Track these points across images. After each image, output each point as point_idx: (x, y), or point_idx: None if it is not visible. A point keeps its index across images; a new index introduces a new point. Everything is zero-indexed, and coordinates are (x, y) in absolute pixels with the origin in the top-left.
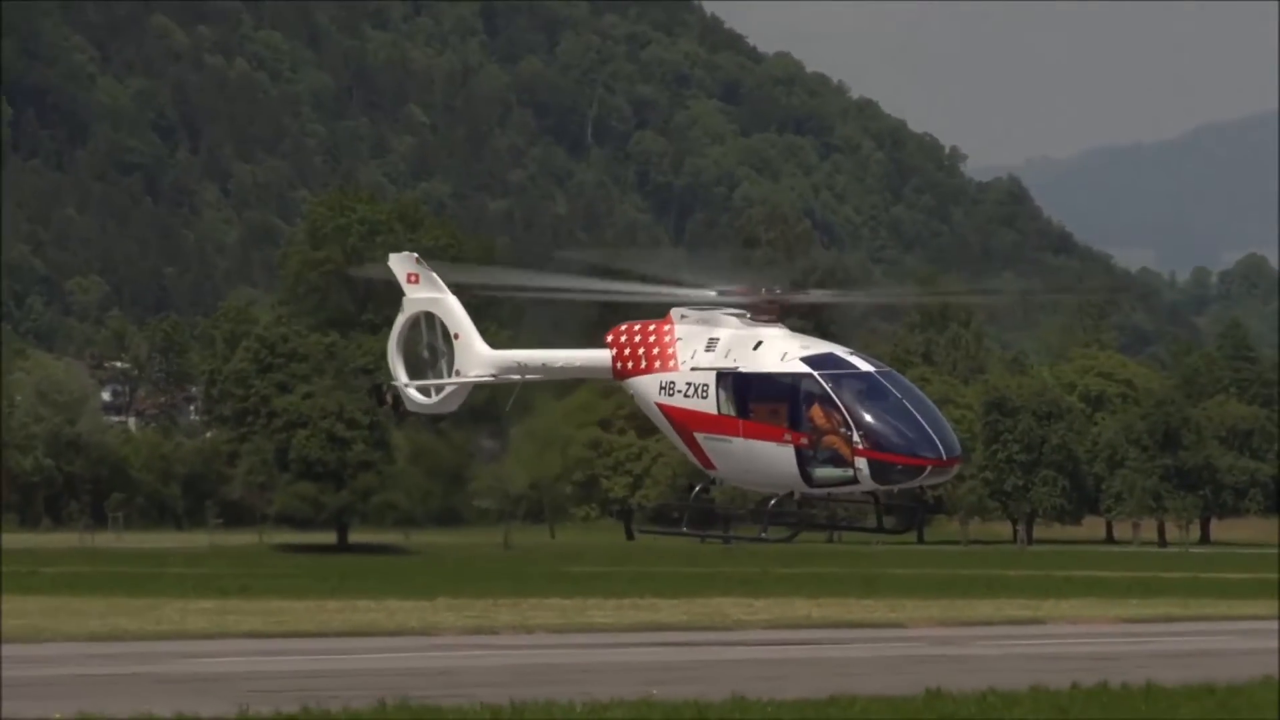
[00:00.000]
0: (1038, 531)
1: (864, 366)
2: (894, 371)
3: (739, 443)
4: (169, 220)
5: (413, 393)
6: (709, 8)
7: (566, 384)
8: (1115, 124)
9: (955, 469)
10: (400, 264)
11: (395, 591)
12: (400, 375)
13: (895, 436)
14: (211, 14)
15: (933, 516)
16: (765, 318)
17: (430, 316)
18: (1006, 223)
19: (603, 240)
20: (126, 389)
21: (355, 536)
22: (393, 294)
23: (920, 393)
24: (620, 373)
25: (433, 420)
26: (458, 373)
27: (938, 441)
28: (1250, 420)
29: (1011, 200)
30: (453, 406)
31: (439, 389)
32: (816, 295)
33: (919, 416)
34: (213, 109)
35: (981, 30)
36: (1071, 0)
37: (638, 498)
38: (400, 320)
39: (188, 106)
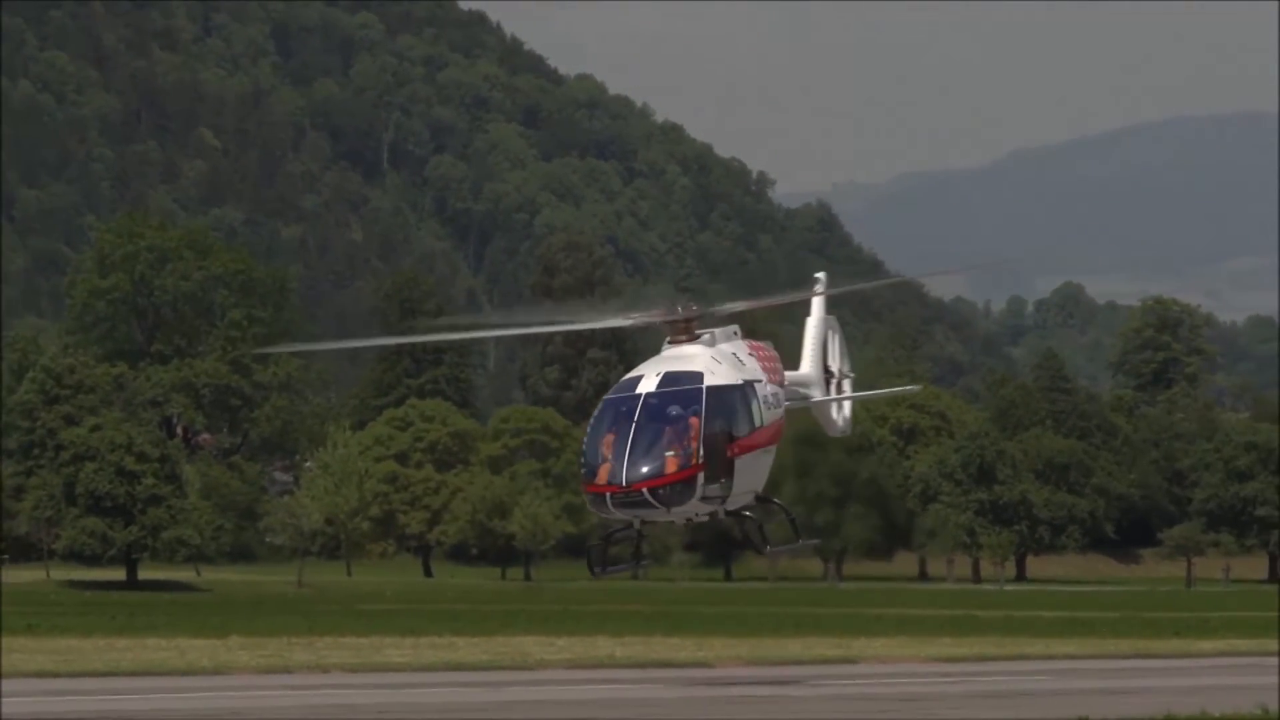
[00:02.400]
0: (848, 568)
1: (640, 389)
2: (666, 393)
3: None
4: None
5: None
6: (509, 29)
7: (364, 416)
8: (927, 149)
9: (643, 496)
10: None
11: (187, 629)
12: None
13: (588, 466)
14: None
15: (739, 552)
16: (684, 337)
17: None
18: (816, 250)
19: (399, 268)
20: None
21: (145, 573)
22: (182, 324)
23: (670, 415)
24: None
25: (224, 454)
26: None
27: (622, 470)
28: (1067, 454)
29: (821, 227)
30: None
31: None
32: (730, 306)
33: (627, 444)
34: None
35: (791, 52)
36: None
37: (436, 533)
38: None
39: None
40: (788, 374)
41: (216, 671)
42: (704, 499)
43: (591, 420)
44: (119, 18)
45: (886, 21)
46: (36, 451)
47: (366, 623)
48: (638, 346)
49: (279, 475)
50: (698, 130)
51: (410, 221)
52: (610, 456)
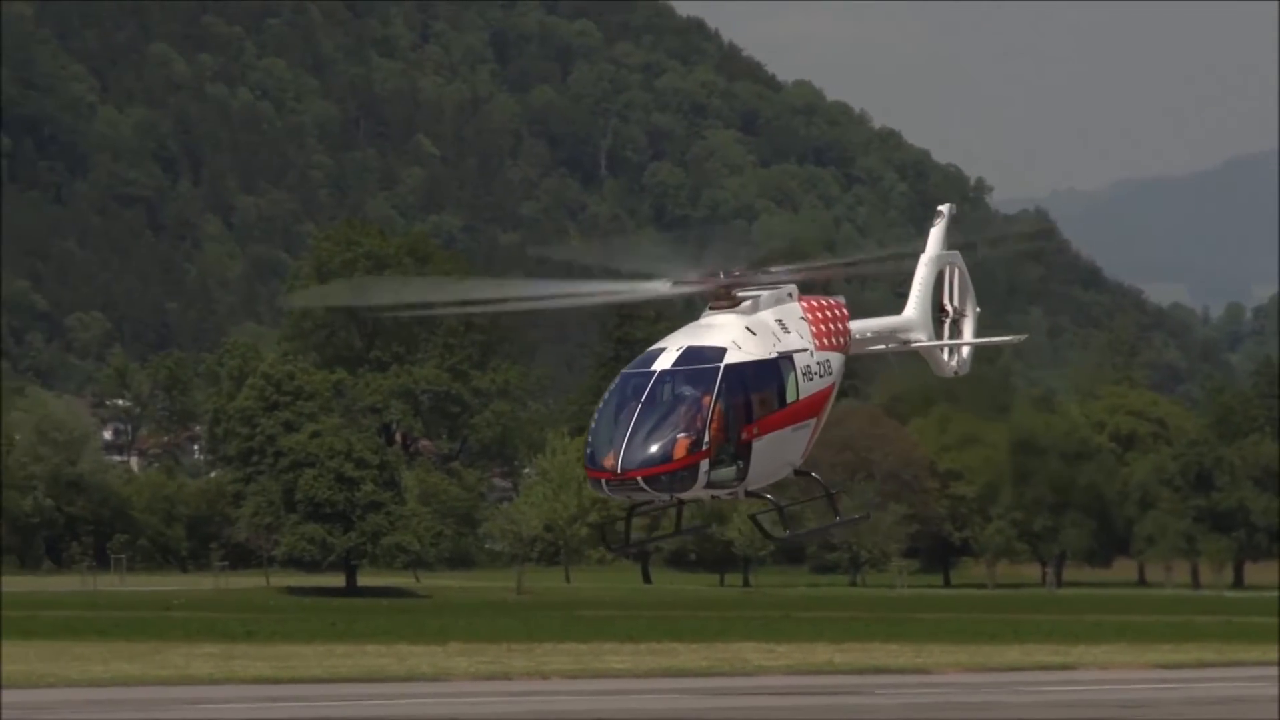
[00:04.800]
0: (1067, 574)
1: (656, 365)
2: (680, 372)
3: None
4: (171, 254)
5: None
6: (727, 35)
7: (582, 422)
8: (1145, 155)
9: (639, 483)
10: None
11: (406, 636)
12: None
13: (591, 446)
14: (213, 42)
15: (959, 558)
16: (724, 304)
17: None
18: (1033, 256)
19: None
20: (128, 428)
21: (364, 579)
22: (401, 331)
23: (679, 397)
24: None
25: (443, 460)
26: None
27: (619, 455)
28: None
29: (1039, 234)
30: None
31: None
32: (775, 273)
33: (629, 426)
34: (215, 139)
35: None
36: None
37: (654, 540)
38: None
39: (190, 137)
40: (886, 320)
41: (435, 678)
42: (712, 484)
43: (605, 394)
44: (338, 25)
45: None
46: (256, 458)
47: (586, 629)
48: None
49: (498, 482)
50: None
51: (628, 228)
52: (610, 439)
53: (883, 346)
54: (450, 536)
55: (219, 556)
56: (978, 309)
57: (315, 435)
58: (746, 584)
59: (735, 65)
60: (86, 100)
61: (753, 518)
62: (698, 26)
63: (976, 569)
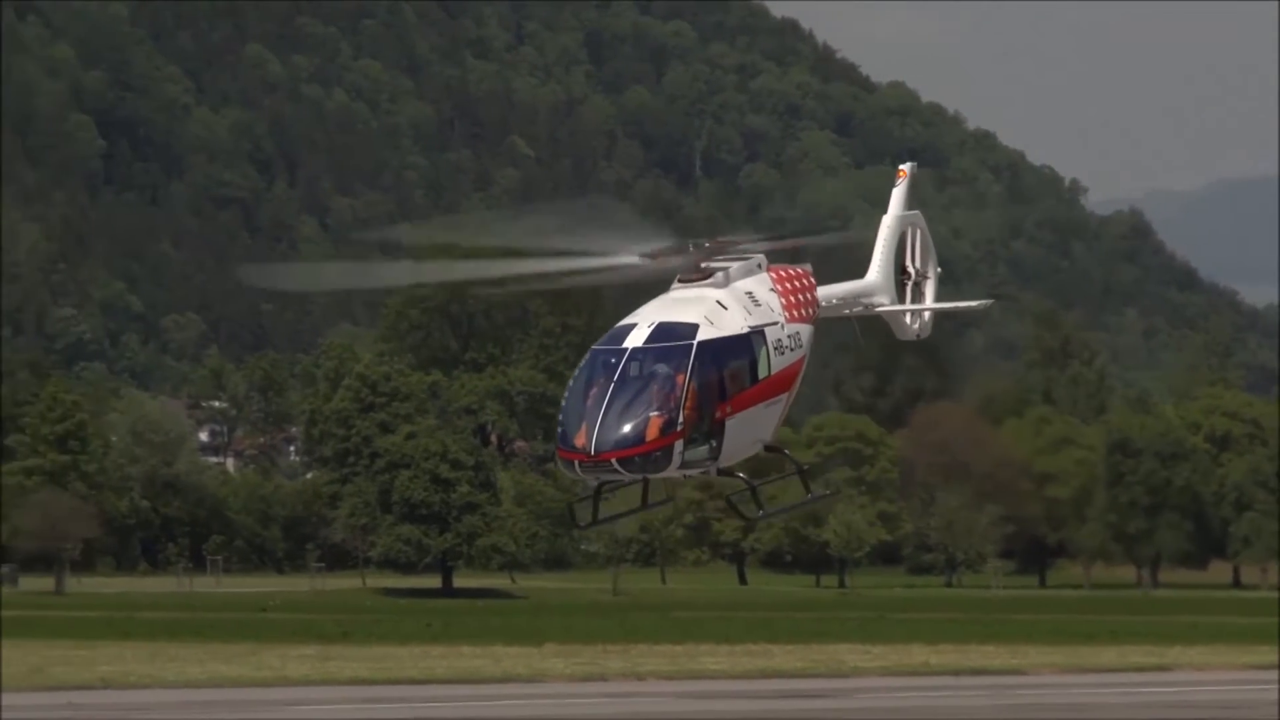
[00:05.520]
0: (1162, 575)
1: (627, 342)
2: (652, 349)
3: None
4: (267, 255)
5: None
6: (821, 36)
7: None
8: (1240, 155)
9: (613, 465)
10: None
11: (502, 637)
12: None
13: (563, 426)
14: (308, 43)
15: (1054, 559)
16: (693, 276)
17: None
18: (1129, 257)
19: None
20: (224, 429)
21: (460, 580)
22: (496, 332)
23: (651, 376)
24: None
25: (538, 461)
26: None
27: (592, 436)
28: None
29: (1134, 234)
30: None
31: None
32: (747, 245)
33: (601, 406)
34: (311, 141)
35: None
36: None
37: (750, 541)
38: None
39: (285, 138)
40: (850, 285)
41: (531, 678)
42: (685, 464)
43: (576, 371)
44: (433, 26)
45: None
46: (352, 459)
47: (681, 630)
48: (951, 354)
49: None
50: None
51: (723, 229)
52: (582, 419)
53: (847, 311)
54: (546, 538)
55: (315, 558)
56: (939, 269)
57: (411, 437)
58: (842, 585)
59: (830, 66)
60: (182, 102)
61: (728, 500)
62: (792, 27)
63: (1072, 570)
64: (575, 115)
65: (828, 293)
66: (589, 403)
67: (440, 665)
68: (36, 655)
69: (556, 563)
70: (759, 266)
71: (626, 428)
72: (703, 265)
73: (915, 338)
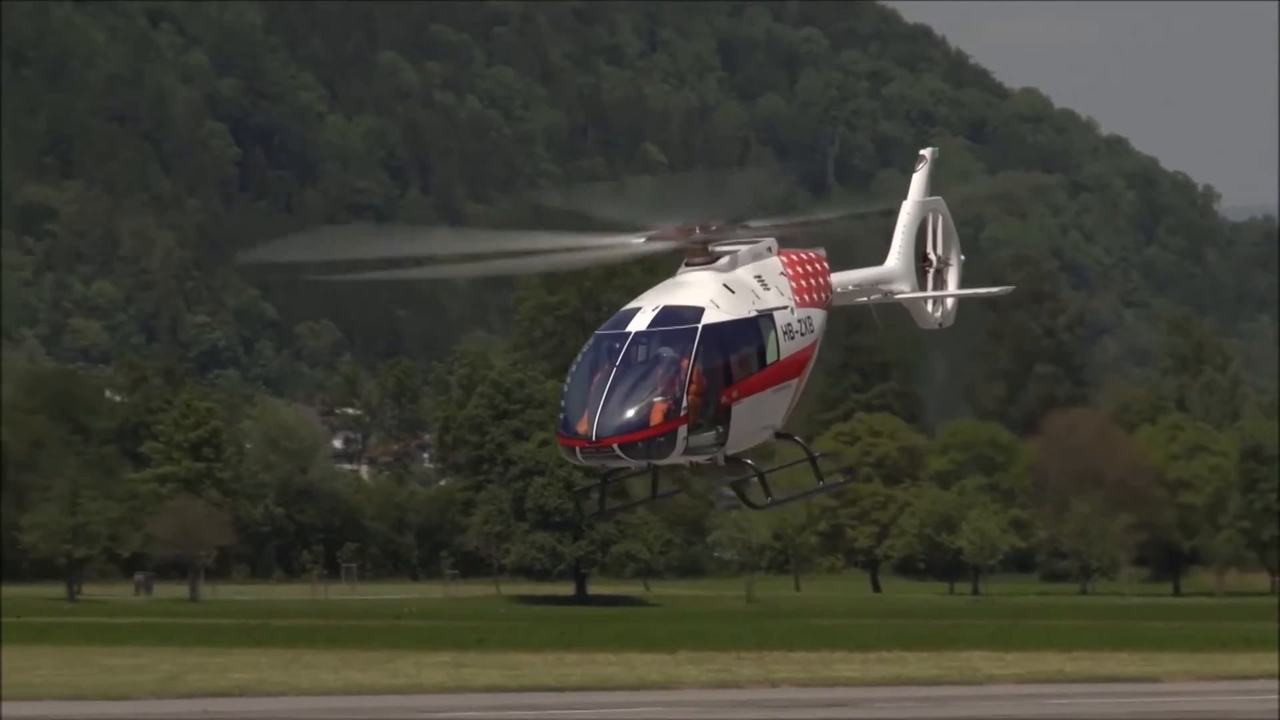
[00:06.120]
0: None
1: (631, 326)
2: (656, 333)
3: None
4: (399, 262)
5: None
6: (954, 42)
7: (811, 430)
8: None
9: (614, 450)
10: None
11: (636, 644)
12: None
13: (564, 412)
14: (442, 50)
15: (1188, 566)
16: (700, 259)
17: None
18: (1263, 264)
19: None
20: (358, 436)
21: (594, 587)
22: None
23: (655, 360)
24: None
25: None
26: None
27: (594, 422)
28: None
29: (1268, 241)
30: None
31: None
32: (756, 225)
33: (603, 391)
34: (444, 148)
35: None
36: None
37: (884, 548)
38: None
39: (418, 145)
40: (867, 271)
41: (665, 686)
42: (690, 450)
43: (579, 356)
44: (565, 34)
45: None
46: (486, 466)
47: (815, 637)
48: (1084, 361)
49: (726, 490)
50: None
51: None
52: (584, 405)
53: (865, 299)
54: (680, 545)
55: (449, 565)
56: (962, 257)
57: (545, 443)
58: (976, 592)
59: (962, 72)
60: (315, 109)
61: (734, 485)
62: (925, 33)
63: (1206, 577)
64: (708, 122)
65: (843, 279)
66: (591, 388)
67: (575, 672)
68: (171, 663)
69: (690, 570)
70: (769, 250)
71: (629, 413)
72: (711, 248)
73: (937, 326)
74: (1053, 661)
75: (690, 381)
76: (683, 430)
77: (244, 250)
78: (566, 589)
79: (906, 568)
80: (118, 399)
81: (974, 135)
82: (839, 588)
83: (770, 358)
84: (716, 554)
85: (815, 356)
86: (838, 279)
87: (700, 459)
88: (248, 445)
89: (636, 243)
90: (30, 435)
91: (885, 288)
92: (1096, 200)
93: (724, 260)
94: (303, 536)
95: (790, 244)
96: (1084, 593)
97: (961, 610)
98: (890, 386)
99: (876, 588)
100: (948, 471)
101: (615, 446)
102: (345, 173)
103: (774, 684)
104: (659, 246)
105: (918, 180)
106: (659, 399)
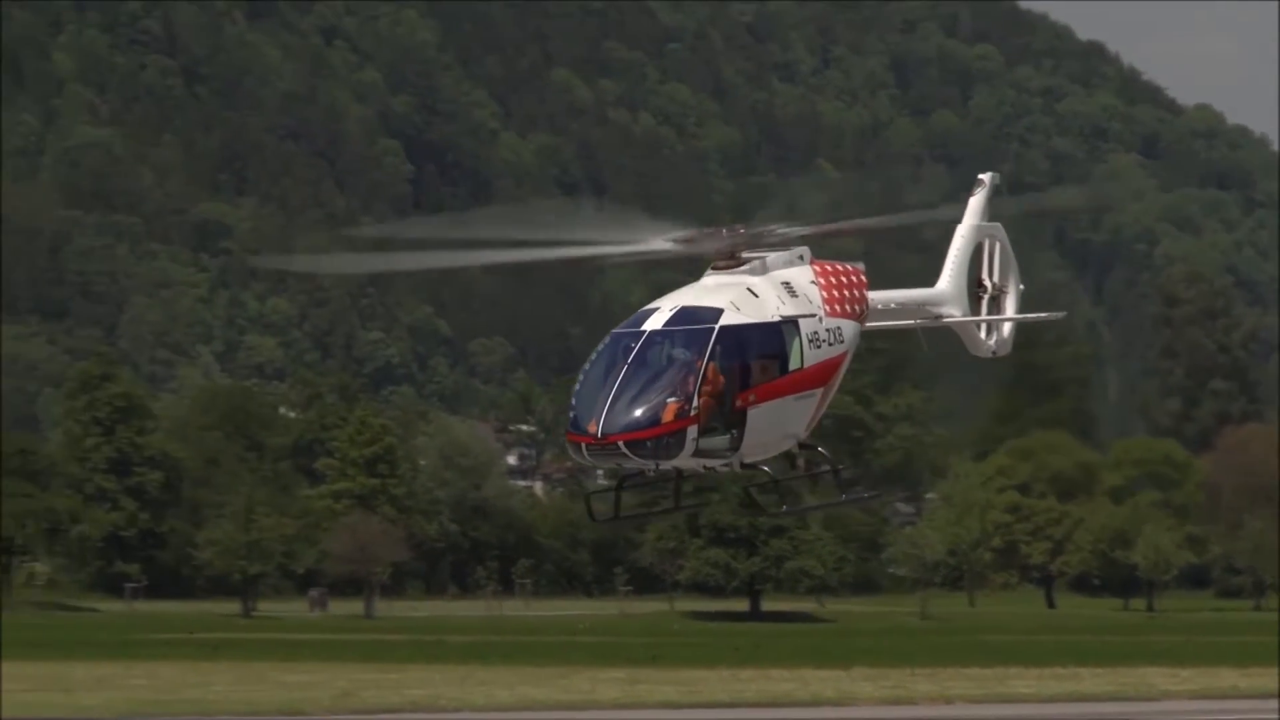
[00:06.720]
0: None
1: (647, 325)
2: (671, 332)
3: None
4: (573, 278)
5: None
6: (1127, 59)
7: (984, 447)
8: None
9: (620, 448)
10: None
11: (810, 660)
12: None
13: (574, 410)
14: (615, 67)
15: None
16: (727, 264)
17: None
18: None
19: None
20: (532, 452)
21: (768, 604)
22: None
23: (668, 359)
24: None
25: (847, 485)
26: None
27: (600, 418)
28: None
29: None
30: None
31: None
32: (783, 230)
33: (612, 388)
34: (617, 165)
35: None
36: None
37: (1058, 564)
38: None
39: (592, 162)
40: (914, 292)
41: (840, 702)
42: (700, 453)
43: (592, 354)
44: (739, 51)
45: None
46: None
47: (990, 653)
48: (1258, 378)
49: (901, 506)
50: None
51: (1029, 252)
52: (594, 402)
53: (911, 321)
54: (854, 561)
55: (623, 581)
56: (1021, 286)
57: None
58: (1150, 608)
59: (1136, 88)
60: (489, 126)
61: (746, 490)
62: (1098, 50)
63: None
64: (881, 138)
65: (886, 296)
66: (602, 386)
67: (749, 688)
68: (346, 679)
69: (865, 586)
70: (800, 258)
71: (637, 411)
72: (741, 254)
73: (991, 355)
74: (1227, 677)
75: (703, 382)
76: (692, 431)
77: (257, 255)
78: (741, 605)
79: (1081, 584)
80: (292, 415)
81: (1147, 151)
82: (1013, 604)
83: (793, 364)
84: (891, 570)
85: (845, 367)
86: (880, 296)
87: (713, 463)
88: (422, 462)
89: (663, 245)
90: (206, 452)
91: (934, 310)
92: (1270, 216)
93: (752, 265)
94: (477, 553)
95: (845, 257)
96: (1258, 609)
97: (1136, 626)
98: (1064, 403)
99: (1051, 604)
100: (1121, 488)
101: (621, 444)
102: (518, 190)
103: (948, 700)
104: (685, 248)
105: (974, 204)
106: (669, 398)
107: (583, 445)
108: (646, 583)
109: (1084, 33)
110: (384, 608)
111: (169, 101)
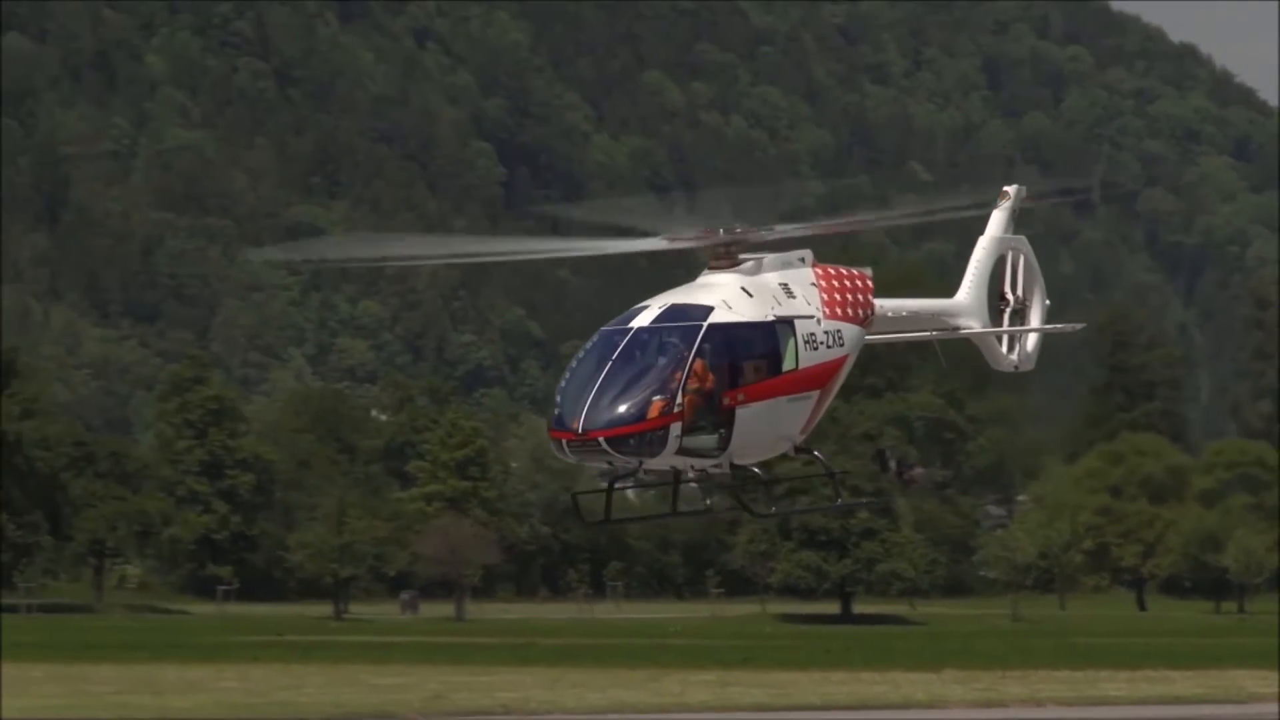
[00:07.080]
0: None
1: (635, 322)
2: (659, 329)
3: None
4: (666, 280)
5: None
6: (1220, 61)
7: (1076, 449)
8: None
9: (601, 444)
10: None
11: (901, 663)
12: None
13: (558, 406)
14: (707, 70)
15: None
16: (724, 263)
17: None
18: None
19: (1110, 301)
20: None
21: (859, 606)
22: (894, 355)
23: (653, 355)
24: None
25: (938, 487)
26: None
27: (581, 414)
28: None
29: None
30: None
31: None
32: (781, 229)
33: (595, 385)
34: (709, 167)
35: None
36: None
37: (1149, 567)
38: None
39: (684, 165)
40: (928, 302)
41: (930, 705)
42: (684, 452)
43: (579, 351)
44: (830, 53)
45: None
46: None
47: (1081, 656)
48: None
49: (992, 509)
50: None
51: (1121, 254)
52: (578, 399)
53: (927, 332)
54: (945, 564)
55: (715, 584)
56: (1046, 302)
57: (809, 462)
58: (1242, 611)
59: (1227, 91)
60: (581, 129)
61: (734, 492)
62: (1190, 52)
63: None
64: (973, 140)
65: (898, 304)
66: (586, 382)
67: (840, 691)
68: (437, 681)
69: (956, 589)
70: (801, 260)
71: (620, 407)
72: (739, 255)
73: (1013, 369)
74: None
75: (689, 379)
76: (676, 428)
77: (256, 248)
78: (832, 608)
79: (1172, 586)
80: (384, 418)
81: (1239, 154)
82: (1104, 606)
83: (787, 365)
84: (982, 573)
85: (845, 371)
86: (891, 304)
87: (701, 464)
88: (514, 464)
89: (658, 244)
90: (297, 454)
91: (951, 321)
92: None
93: (748, 264)
94: (568, 555)
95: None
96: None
97: (1228, 629)
98: (1156, 406)
99: (1142, 606)
100: (1212, 490)
101: (602, 440)
102: (611, 192)
103: (1039, 703)
104: (680, 246)
105: (998, 216)
106: (653, 395)
107: (564, 442)
108: (738, 585)
109: (1176, 34)
110: (475, 610)
111: (261, 104)
